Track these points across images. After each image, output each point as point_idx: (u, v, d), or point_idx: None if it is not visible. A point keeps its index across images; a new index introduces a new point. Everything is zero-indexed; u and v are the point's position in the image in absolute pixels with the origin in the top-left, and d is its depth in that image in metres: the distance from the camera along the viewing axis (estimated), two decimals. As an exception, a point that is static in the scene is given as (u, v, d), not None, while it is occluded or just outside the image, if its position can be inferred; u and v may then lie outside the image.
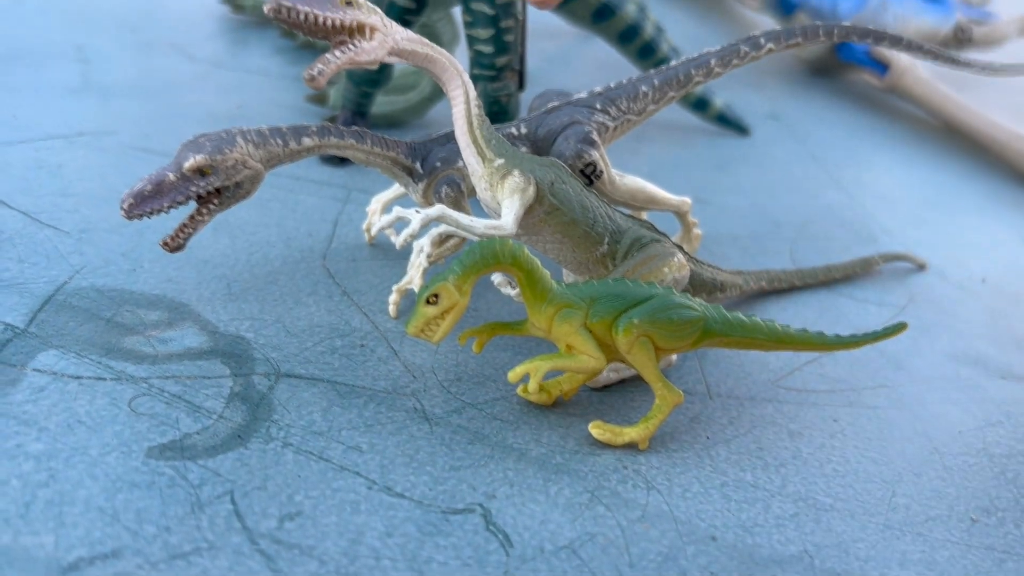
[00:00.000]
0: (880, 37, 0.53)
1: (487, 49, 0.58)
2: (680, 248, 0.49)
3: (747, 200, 0.71)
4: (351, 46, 0.42)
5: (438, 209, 0.44)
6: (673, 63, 0.53)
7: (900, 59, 0.94)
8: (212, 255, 0.52)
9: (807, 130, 0.86)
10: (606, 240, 0.47)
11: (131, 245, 0.51)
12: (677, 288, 0.47)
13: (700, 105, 0.79)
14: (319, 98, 0.69)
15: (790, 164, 0.78)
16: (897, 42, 0.53)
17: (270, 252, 0.53)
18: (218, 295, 0.49)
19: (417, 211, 0.44)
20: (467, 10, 0.58)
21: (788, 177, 0.76)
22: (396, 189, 0.54)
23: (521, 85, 0.61)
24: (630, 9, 0.73)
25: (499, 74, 0.59)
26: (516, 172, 0.45)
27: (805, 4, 0.94)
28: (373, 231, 0.49)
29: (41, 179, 0.55)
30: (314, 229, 0.56)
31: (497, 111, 0.61)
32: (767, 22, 1.06)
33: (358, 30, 0.42)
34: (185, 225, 0.44)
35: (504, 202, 0.45)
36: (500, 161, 0.45)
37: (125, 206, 0.42)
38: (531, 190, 0.45)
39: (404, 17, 0.59)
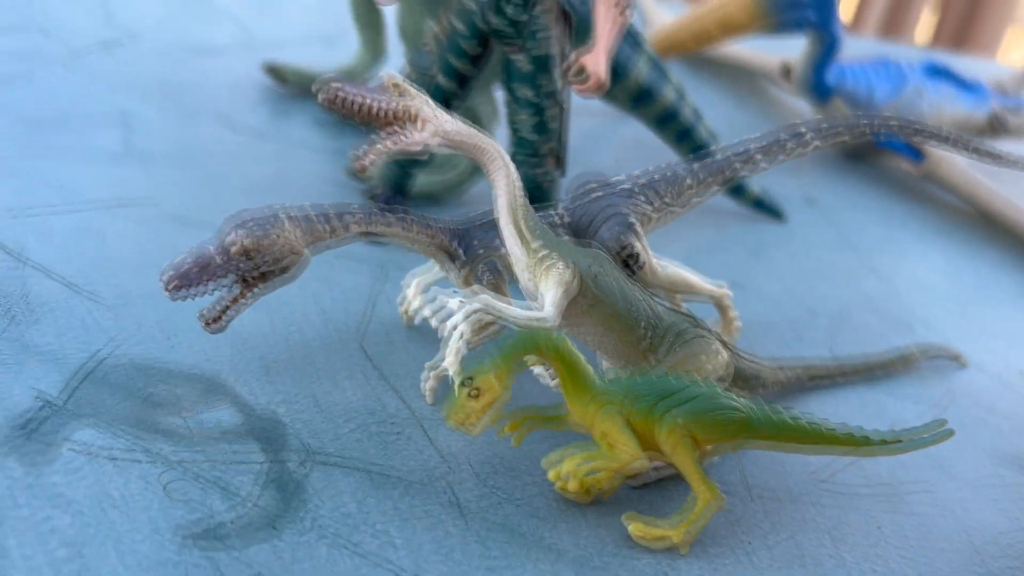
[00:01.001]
0: (926, 133, 0.53)
1: (530, 135, 0.59)
2: (723, 341, 0.49)
3: (783, 286, 0.70)
4: (401, 134, 0.42)
5: (481, 300, 0.44)
6: (717, 154, 0.53)
7: (938, 149, 0.94)
8: (249, 330, 0.52)
9: (842, 215, 0.85)
10: (648, 333, 0.47)
11: (167, 315, 0.51)
12: (720, 383, 0.46)
13: (737, 190, 0.79)
14: (359, 172, 0.69)
15: (826, 250, 0.78)
16: (944, 139, 0.53)
17: (307, 329, 0.53)
18: (254, 372, 0.49)
19: (461, 300, 0.44)
20: (511, 95, 0.58)
21: (824, 263, 0.75)
22: (432, 269, 0.54)
23: (562, 169, 0.61)
24: (669, 94, 0.73)
25: (541, 159, 0.59)
26: (559, 262, 0.45)
27: (841, 90, 0.94)
28: (416, 319, 0.49)
29: (83, 248, 0.56)
30: (351, 306, 0.56)
31: (537, 195, 0.60)
32: (802, 106, 1.07)
33: (408, 117, 0.42)
34: (227, 307, 0.44)
35: (547, 293, 0.45)
36: (544, 251, 0.45)
37: (169, 285, 0.42)
38: (574, 281, 0.45)
39: (447, 99, 0.59)
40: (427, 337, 0.55)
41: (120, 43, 0.86)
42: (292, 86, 0.82)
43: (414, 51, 0.59)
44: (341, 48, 0.97)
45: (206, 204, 0.63)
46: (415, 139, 0.42)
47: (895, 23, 2.44)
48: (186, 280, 0.42)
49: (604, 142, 0.89)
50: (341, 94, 0.40)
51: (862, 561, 0.44)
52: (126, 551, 0.37)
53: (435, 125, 0.43)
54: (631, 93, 0.72)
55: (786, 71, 1.09)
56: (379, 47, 0.83)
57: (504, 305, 0.44)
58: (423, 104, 0.42)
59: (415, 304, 0.55)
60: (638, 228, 0.51)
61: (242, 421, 0.45)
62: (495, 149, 0.45)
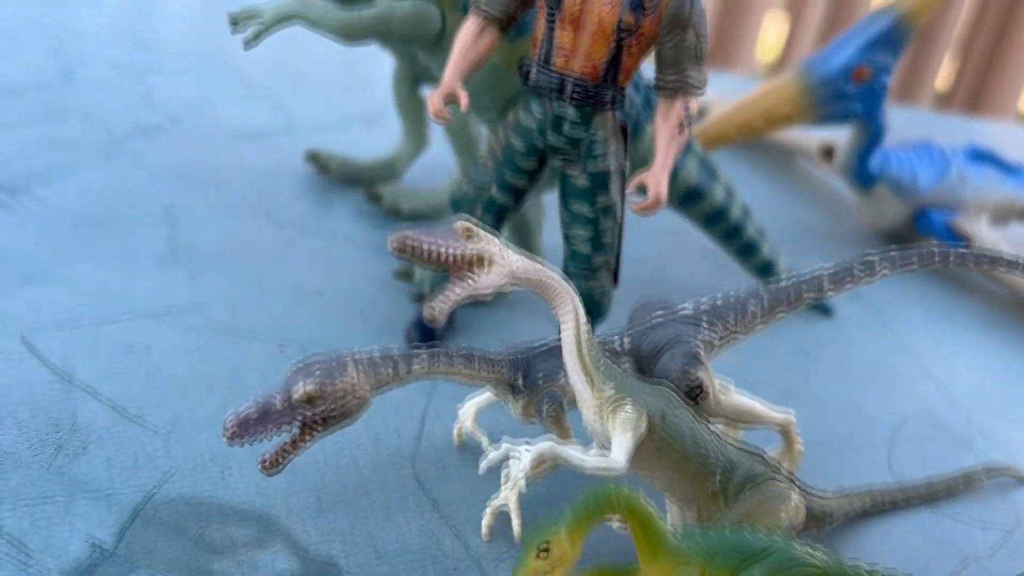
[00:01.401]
0: (997, 261, 0.51)
1: (584, 249, 0.57)
2: (793, 481, 0.47)
3: (837, 392, 0.69)
4: (470, 279, 0.41)
5: (549, 447, 0.42)
6: (785, 282, 0.52)
7: (982, 234, 0.92)
8: (302, 461, 0.50)
9: (890, 310, 0.84)
10: (718, 475, 0.45)
11: (219, 445, 0.49)
12: (793, 530, 0.45)
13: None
14: (405, 273, 0.69)
15: (878, 351, 0.76)
16: (1015, 266, 0.52)
17: (359, 455, 0.52)
18: (308, 508, 0.47)
19: (527, 448, 0.43)
20: (566, 208, 0.57)
21: (877, 365, 0.74)
22: (486, 394, 0.53)
23: (615, 281, 0.60)
24: (718, 193, 0.72)
25: (595, 272, 0.58)
26: (628, 405, 0.43)
27: (885, 177, 0.93)
28: (481, 468, 0.47)
29: (130, 364, 0.55)
30: (402, 426, 0.55)
31: (591, 306, 0.59)
32: (839, 185, 1.05)
33: (478, 262, 0.41)
34: (286, 449, 0.43)
35: (615, 437, 0.43)
36: (611, 391, 0.44)
37: (229, 433, 0.41)
38: (643, 425, 0.43)
39: (502, 213, 0.58)
40: (478, 459, 0.53)
41: (161, 128, 0.86)
42: (334, 176, 0.82)
43: (469, 163, 0.58)
44: (383, 129, 0.97)
45: (254, 311, 0.62)
46: (485, 283, 0.41)
47: (911, 83, 2.44)
48: (246, 428, 0.41)
49: (654, 251, 0.87)
50: (411, 242, 0.39)
51: None
52: None
53: (504, 267, 0.42)
54: (679, 193, 0.71)
55: (826, 152, 1.08)
56: (422, 136, 0.82)
57: (571, 452, 0.43)
58: (493, 247, 0.41)
59: (468, 426, 0.53)
60: (703, 357, 0.49)
61: (298, 566, 0.44)
62: (561, 285, 0.43)
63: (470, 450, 0.54)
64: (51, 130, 0.80)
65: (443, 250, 0.40)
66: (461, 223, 0.41)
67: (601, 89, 0.54)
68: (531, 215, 0.68)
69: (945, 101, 2.47)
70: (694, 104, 0.54)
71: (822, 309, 0.79)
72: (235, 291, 0.64)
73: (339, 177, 0.82)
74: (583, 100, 0.54)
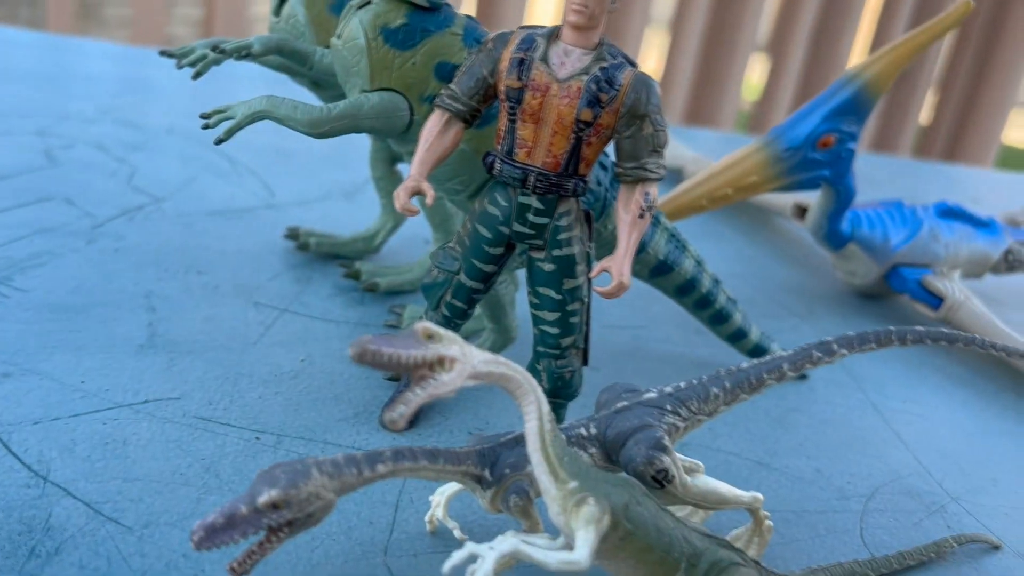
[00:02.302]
0: (954, 339, 0.53)
1: (553, 331, 0.59)
2: (759, 564, 0.48)
3: (810, 464, 0.69)
4: (431, 380, 0.42)
5: (511, 546, 0.43)
6: (745, 365, 0.53)
7: (954, 292, 0.94)
8: (275, 556, 0.51)
9: (863, 370, 0.85)
10: (683, 564, 0.46)
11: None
12: (756, 618, 0.45)
13: (757, 352, 0.79)
14: (392, 325, 0.70)
15: (850, 415, 0.77)
16: (971, 342, 0.53)
17: (331, 547, 0.52)
18: (280, 605, 0.48)
19: (491, 547, 0.43)
20: (534, 294, 0.59)
21: (850, 434, 0.74)
22: (455, 485, 0.54)
23: (585, 361, 0.61)
24: (687, 265, 0.74)
25: (563, 352, 0.59)
26: (591, 500, 0.44)
27: (856, 236, 0.95)
28: (445, 569, 0.48)
29: (106, 460, 0.55)
30: (374, 516, 0.55)
31: (561, 386, 0.60)
32: (815, 244, 1.07)
33: (439, 363, 0.42)
34: (253, 552, 0.44)
35: (578, 533, 0.44)
36: (574, 484, 0.45)
37: (195, 539, 0.42)
38: (605, 520, 0.44)
39: (472, 295, 0.60)
40: (452, 547, 0.54)
41: (143, 209, 0.87)
42: (313, 252, 0.83)
43: (439, 252, 0.59)
44: (361, 202, 0.99)
45: (230, 398, 0.63)
46: (446, 383, 0.42)
47: (885, 136, 2.48)
48: (213, 535, 0.41)
49: (628, 328, 0.89)
50: (371, 347, 0.40)
51: None
52: None
53: (466, 366, 0.43)
54: (650, 266, 0.73)
55: (800, 210, 1.10)
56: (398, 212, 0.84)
57: (534, 549, 0.43)
58: (453, 346, 0.42)
59: (439, 514, 0.54)
60: (667, 443, 0.50)
61: (268, 667, 0.44)
62: (526, 380, 0.44)
63: (443, 537, 0.54)
64: (33, 215, 0.82)
65: (403, 356, 0.40)
66: (422, 326, 0.42)
67: (563, 179, 0.55)
68: (503, 291, 0.69)
69: (924, 148, 2.51)
70: (653, 190, 0.56)
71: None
72: (212, 377, 0.65)
73: (318, 253, 0.83)
74: (546, 190, 0.55)
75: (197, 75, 0.64)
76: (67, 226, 0.81)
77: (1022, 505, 0.69)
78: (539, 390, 0.45)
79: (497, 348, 0.72)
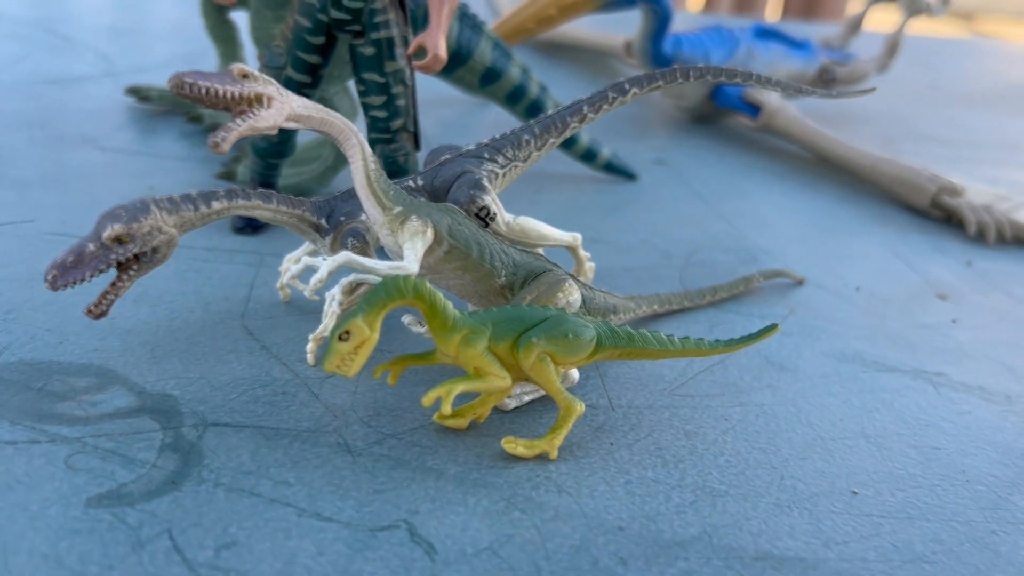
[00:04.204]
0: (731, 75, 0.59)
1: (381, 114, 0.63)
2: (572, 276, 0.54)
3: (638, 237, 0.76)
4: (251, 114, 0.46)
5: (344, 255, 0.48)
6: (550, 112, 0.59)
7: (770, 101, 1.02)
8: (134, 324, 0.55)
9: (691, 172, 0.92)
10: (503, 273, 0.52)
11: (56, 321, 0.54)
12: (570, 310, 0.52)
13: (589, 156, 0.85)
14: (228, 175, 0.73)
15: (677, 202, 0.84)
16: (748, 78, 0.60)
17: (190, 317, 0.56)
18: (143, 359, 0.52)
19: (324, 259, 0.48)
20: (360, 80, 0.63)
21: (675, 214, 0.82)
22: (306, 247, 0.58)
23: (417, 145, 0.66)
24: (514, 72, 0.79)
25: (394, 136, 0.64)
26: (414, 217, 0.49)
27: (679, 58, 1.02)
28: (284, 279, 0.53)
29: (-38, 269, 0.58)
30: (231, 293, 0.59)
31: (395, 170, 0.65)
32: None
33: (256, 100, 0.46)
34: (107, 292, 0.47)
35: (405, 245, 0.49)
36: (398, 209, 0.50)
37: (49, 277, 0.45)
38: (429, 232, 0.49)
39: (301, 91, 0.63)
40: (305, 310, 0.58)
41: (-22, 82, 0.87)
42: (156, 103, 0.85)
43: (266, 52, 0.62)
44: (203, 65, 1.00)
45: (83, 220, 0.65)
46: (265, 118, 0.46)
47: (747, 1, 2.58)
48: (64, 272, 0.45)
49: (463, 128, 0.94)
50: (188, 80, 0.44)
51: (713, 447, 0.50)
52: (35, 518, 0.40)
53: (284, 105, 0.47)
54: (478, 74, 0.77)
55: (629, 48, 1.16)
56: (236, 58, 0.86)
57: (366, 259, 0.48)
58: (269, 86, 0.46)
59: (286, 277, 0.58)
60: (487, 184, 0.55)
61: (136, 400, 0.48)
62: (343, 122, 0.49)
63: (296, 303, 0.59)
64: None
65: (220, 89, 0.44)
66: (237, 66, 0.46)
67: (372, -37, 0.59)
68: (341, 104, 0.73)
69: (785, 9, 2.63)
70: (458, -30, 0.60)
71: (627, 174, 0.87)
72: (64, 205, 0.67)
73: (161, 105, 0.85)
74: (357, -25, 0.59)
75: None
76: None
77: (825, 255, 0.77)
78: (357, 131, 0.49)
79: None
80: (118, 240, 0.46)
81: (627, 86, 0.58)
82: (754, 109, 1.02)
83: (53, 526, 0.39)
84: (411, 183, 0.56)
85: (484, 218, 0.55)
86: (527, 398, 0.52)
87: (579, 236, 0.61)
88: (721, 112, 1.08)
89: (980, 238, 0.84)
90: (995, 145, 1.13)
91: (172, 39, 1.08)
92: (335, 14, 0.60)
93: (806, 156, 1.01)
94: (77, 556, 0.38)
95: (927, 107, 1.28)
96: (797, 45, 1.13)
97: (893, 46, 1.18)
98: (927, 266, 0.77)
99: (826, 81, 1.15)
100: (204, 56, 1.03)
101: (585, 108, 0.58)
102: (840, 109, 1.19)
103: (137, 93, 0.85)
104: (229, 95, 0.45)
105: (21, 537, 0.39)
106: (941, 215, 0.87)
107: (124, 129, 0.81)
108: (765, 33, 1.10)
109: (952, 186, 0.87)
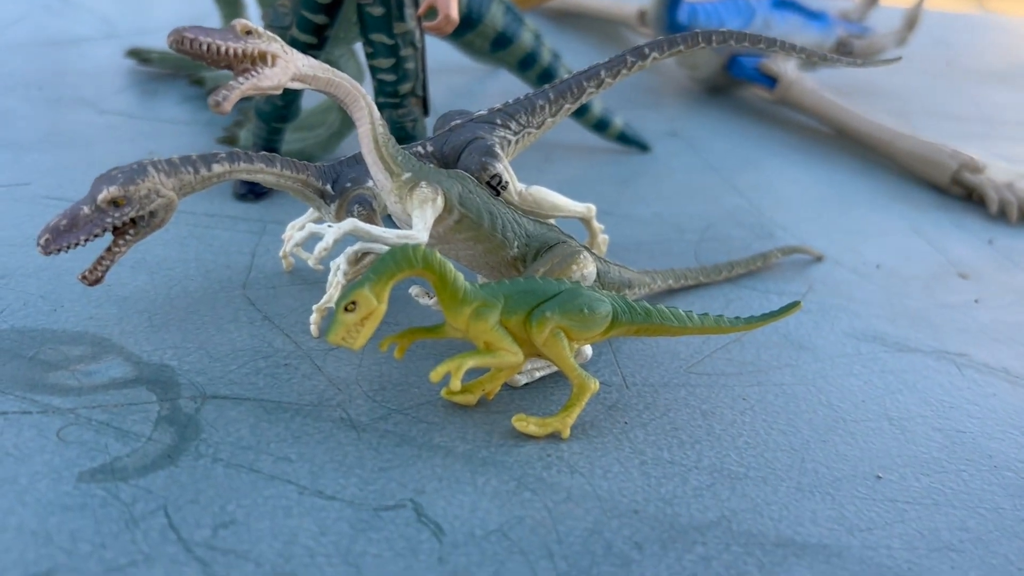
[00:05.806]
0: (756, 40, 0.57)
1: (389, 78, 0.61)
2: (586, 248, 0.52)
3: (651, 210, 0.74)
4: (254, 72, 0.43)
5: (350, 223, 0.46)
6: (566, 77, 0.56)
7: (787, 72, 0.99)
8: (132, 292, 0.53)
9: (705, 144, 0.90)
10: (516, 244, 0.49)
11: (50, 287, 0.52)
12: (585, 284, 0.50)
13: (601, 126, 0.83)
14: (230, 139, 0.71)
15: (690, 175, 0.82)
16: (772, 44, 0.57)
17: (189, 285, 0.54)
18: (140, 328, 0.50)
19: (329, 226, 0.46)
20: (368, 42, 0.60)
21: (689, 187, 0.80)
22: (310, 215, 0.56)
23: (425, 111, 0.63)
24: (526, 38, 0.76)
25: (403, 100, 0.62)
26: (423, 184, 0.47)
27: (694, 27, 0.99)
28: (287, 247, 0.51)
29: (-46, 232, 0.56)
30: (232, 261, 0.57)
31: (403, 136, 0.63)
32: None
33: (260, 58, 0.44)
34: (103, 258, 0.45)
35: (414, 213, 0.47)
36: (407, 175, 0.47)
37: (41, 241, 0.43)
38: (439, 200, 0.47)
39: (306, 53, 0.61)
40: (309, 280, 0.56)
41: (-26, 41, 0.85)
42: (158, 66, 0.83)
43: (271, 12, 0.60)
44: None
45: (79, 183, 0.63)
46: (269, 77, 0.44)
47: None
48: (57, 236, 0.43)
49: (473, 96, 0.91)
50: (189, 35, 0.42)
51: (731, 428, 0.48)
52: (24, 492, 0.38)
53: (289, 64, 0.44)
54: (489, 39, 0.75)
55: (643, 17, 1.13)
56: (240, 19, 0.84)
57: (373, 227, 0.46)
58: (274, 44, 0.44)
59: (289, 245, 0.56)
60: (499, 151, 0.53)
61: (131, 371, 0.46)
62: (351, 84, 0.46)
63: (300, 272, 0.57)
64: None
65: (222, 45, 0.42)
66: (240, 22, 0.44)
67: (382, -81, 0.56)
68: (347, 67, 0.71)
69: None
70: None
71: (640, 145, 0.85)
72: (60, 168, 0.65)
73: (162, 67, 0.83)
74: (366, -69, 0.56)
75: None
76: None
77: (844, 231, 0.75)
78: (365, 93, 0.47)
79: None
80: (114, 203, 0.44)
81: (647, 50, 0.56)
82: (770, 80, 1.00)
83: (43, 501, 0.38)
84: (420, 149, 0.54)
85: (496, 186, 0.53)
86: (539, 374, 0.50)
87: (593, 207, 0.59)
88: (736, 83, 1.05)
89: (1002, 216, 0.82)
90: (1012, 123, 1.11)
91: (175, 1, 1.06)
92: (343, -28, 0.58)
93: (822, 129, 0.98)
94: (68, 533, 0.36)
95: (942, 82, 1.25)
96: (814, 16, 1.10)
97: (912, 19, 1.15)
98: (948, 244, 0.75)
99: (843, 54, 1.12)
100: (207, 19, 1.00)
101: (603, 72, 0.56)
102: (854, 83, 1.16)
103: (138, 55, 0.83)
104: (231, 52, 0.42)
105: (9, 512, 0.37)
106: (961, 192, 0.85)
107: (124, 92, 0.79)
108: (782, 3, 1.08)
109: (974, 163, 0.85)
